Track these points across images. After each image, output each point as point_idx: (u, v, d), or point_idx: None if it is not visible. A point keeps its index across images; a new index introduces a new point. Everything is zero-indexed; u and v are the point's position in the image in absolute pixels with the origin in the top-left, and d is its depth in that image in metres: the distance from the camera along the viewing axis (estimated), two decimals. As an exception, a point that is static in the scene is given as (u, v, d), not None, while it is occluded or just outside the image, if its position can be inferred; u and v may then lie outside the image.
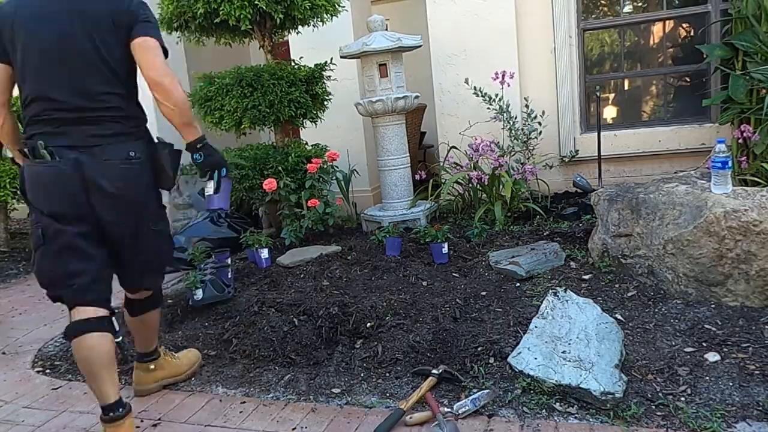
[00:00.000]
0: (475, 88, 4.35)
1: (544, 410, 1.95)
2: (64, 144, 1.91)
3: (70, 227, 1.92)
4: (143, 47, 1.95)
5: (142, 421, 2.21)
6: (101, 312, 1.97)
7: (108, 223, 1.98)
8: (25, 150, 1.94)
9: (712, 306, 2.43)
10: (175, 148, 2.11)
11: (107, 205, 1.95)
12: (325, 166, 4.14)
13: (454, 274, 3.18)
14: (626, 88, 4.90)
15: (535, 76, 4.72)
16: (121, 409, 1.93)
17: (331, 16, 4.25)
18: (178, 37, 4.31)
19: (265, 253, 3.62)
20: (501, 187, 4.06)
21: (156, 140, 2.12)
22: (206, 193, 2.16)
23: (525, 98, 4.50)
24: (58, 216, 1.92)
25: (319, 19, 4.20)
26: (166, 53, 2.01)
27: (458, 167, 4.38)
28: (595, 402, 1.92)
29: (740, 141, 3.93)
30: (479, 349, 2.31)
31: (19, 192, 4.45)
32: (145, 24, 1.97)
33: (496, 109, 4.34)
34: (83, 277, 1.95)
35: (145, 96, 2.06)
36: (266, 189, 3.92)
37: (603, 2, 4.86)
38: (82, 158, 1.91)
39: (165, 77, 1.93)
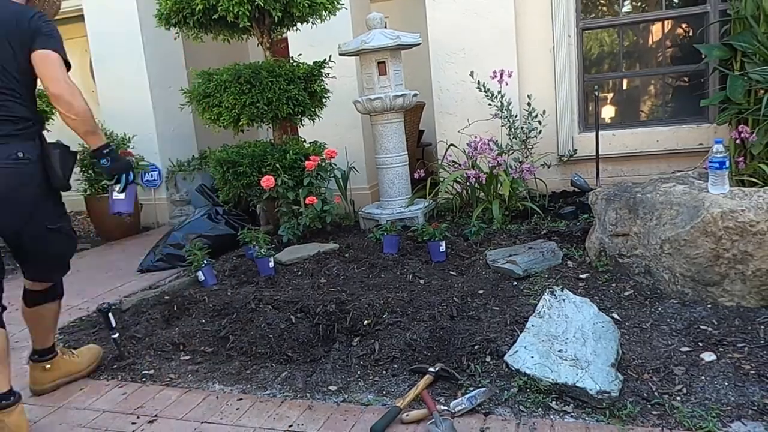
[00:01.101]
0: (479, 82, 4.35)
1: (540, 409, 1.95)
2: None
3: None
4: (44, 61, 2.05)
5: (138, 417, 2.21)
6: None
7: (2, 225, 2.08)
8: None
9: (709, 306, 2.43)
10: (70, 150, 2.22)
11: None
12: (323, 164, 4.14)
13: (451, 272, 3.18)
14: (625, 87, 4.90)
15: (534, 75, 4.72)
16: (12, 398, 2.08)
17: (330, 13, 4.24)
18: (177, 33, 4.30)
19: (271, 262, 3.43)
20: (499, 185, 4.06)
21: (53, 142, 2.21)
22: (113, 197, 2.33)
23: (528, 96, 4.51)
24: None
25: (317, 17, 4.19)
26: (68, 66, 2.10)
27: (456, 165, 4.38)
28: (591, 401, 1.93)
29: (738, 141, 3.94)
30: (476, 347, 2.31)
31: None
32: (46, 37, 2.07)
33: (497, 107, 4.34)
34: None
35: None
36: (264, 186, 3.92)
37: (602, 2, 4.86)
38: None
39: (65, 90, 2.03)
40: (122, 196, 2.31)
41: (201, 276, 3.31)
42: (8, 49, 2.06)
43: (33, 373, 2.46)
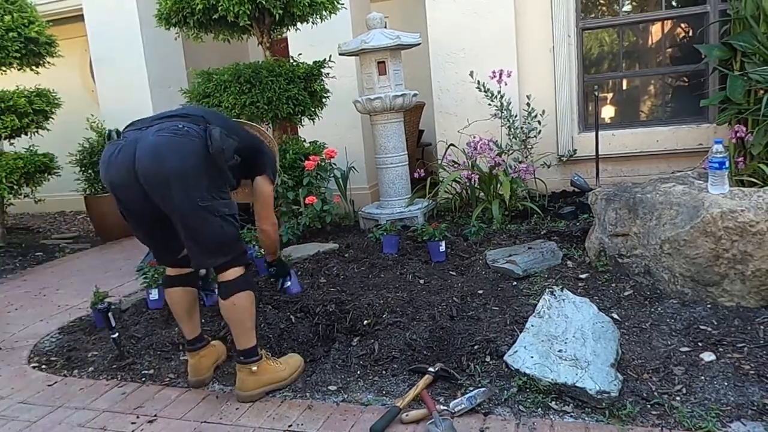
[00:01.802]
0: (478, 82, 4.35)
1: (540, 409, 1.95)
2: None
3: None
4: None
5: (138, 417, 2.21)
6: (178, 271, 2.33)
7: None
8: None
9: (708, 306, 2.43)
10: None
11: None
12: (323, 164, 4.14)
13: (451, 272, 3.18)
14: (624, 87, 4.90)
15: (534, 75, 4.72)
16: (199, 343, 2.35)
17: (330, 13, 4.24)
18: (177, 33, 4.30)
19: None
20: (499, 185, 4.06)
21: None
22: (287, 286, 2.88)
23: (528, 96, 4.51)
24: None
25: (318, 16, 4.19)
26: None
27: (456, 165, 4.38)
28: (590, 401, 1.93)
29: (735, 141, 3.94)
30: (476, 347, 2.31)
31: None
32: None
33: (497, 107, 4.34)
34: (155, 248, 2.38)
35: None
36: (264, 186, 3.91)
37: (602, 2, 4.86)
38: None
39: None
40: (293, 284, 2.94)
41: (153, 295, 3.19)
42: None
43: (240, 375, 2.24)
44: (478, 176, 3.97)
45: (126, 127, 2.17)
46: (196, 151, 2.02)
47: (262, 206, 2.49)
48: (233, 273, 2.17)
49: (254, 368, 2.22)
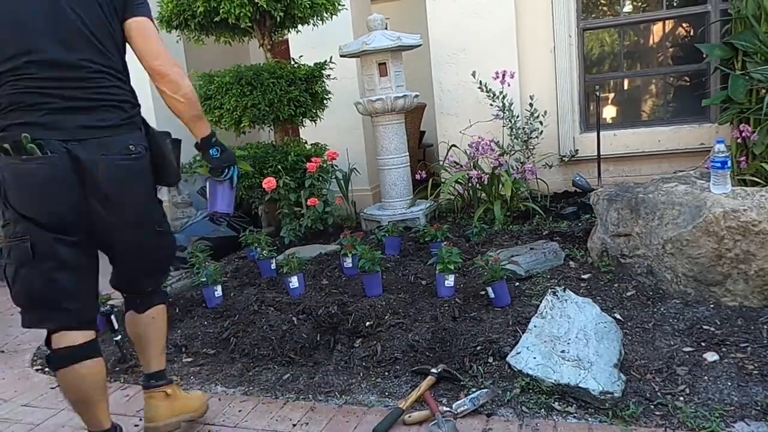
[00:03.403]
0: (480, 82, 4.35)
1: (542, 409, 1.95)
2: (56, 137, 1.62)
3: (67, 237, 1.65)
4: (141, 30, 1.73)
5: (140, 419, 2.21)
6: (90, 335, 1.73)
7: (108, 228, 1.73)
8: (5, 145, 1.59)
9: (711, 306, 2.43)
10: (174, 138, 1.90)
11: (107, 208, 1.70)
12: (324, 165, 4.14)
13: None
14: (626, 87, 4.90)
15: (535, 76, 4.72)
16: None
17: (331, 14, 4.25)
18: (178, 35, 4.31)
19: (272, 263, 3.43)
20: (500, 186, 4.06)
21: (162, 131, 1.89)
22: (216, 193, 1.98)
23: (530, 96, 4.50)
24: (50, 224, 1.63)
25: (318, 18, 4.20)
26: None
27: (458, 166, 4.38)
28: (593, 401, 1.92)
29: (739, 141, 3.93)
30: (478, 348, 2.31)
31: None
32: (140, 1, 1.76)
33: (498, 107, 4.34)
34: (78, 298, 1.69)
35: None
36: (265, 188, 3.92)
37: (603, 2, 4.86)
38: (77, 151, 1.62)
39: (172, 67, 1.74)
40: (230, 192, 1.98)
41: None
42: (99, 15, 1.67)
43: (151, 402, 1.96)
44: (486, 176, 3.97)
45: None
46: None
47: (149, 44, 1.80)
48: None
49: (169, 391, 1.98)
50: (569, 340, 2.14)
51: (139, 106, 1.83)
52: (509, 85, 4.26)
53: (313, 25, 4.27)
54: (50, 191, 1.61)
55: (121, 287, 1.96)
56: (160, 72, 1.72)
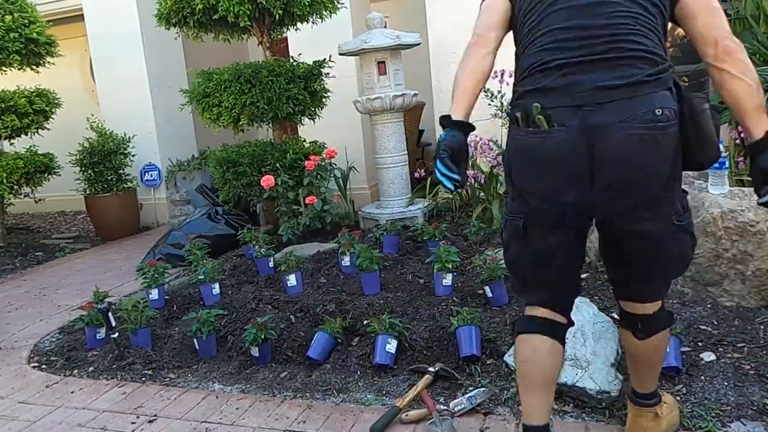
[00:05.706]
0: (479, 82, 4.35)
1: (539, 408, 1.95)
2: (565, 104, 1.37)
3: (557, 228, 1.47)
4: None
5: (138, 417, 2.21)
6: (558, 318, 1.59)
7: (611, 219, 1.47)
8: (517, 114, 1.46)
9: (708, 306, 2.43)
10: (714, 104, 1.54)
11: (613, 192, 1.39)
12: (323, 164, 4.14)
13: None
14: (625, 87, 4.90)
15: (534, 75, 4.72)
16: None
17: (330, 13, 4.24)
18: (177, 33, 4.30)
19: (270, 261, 3.44)
20: (499, 185, 4.06)
21: (696, 93, 1.51)
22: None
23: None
24: (540, 210, 1.46)
25: (318, 16, 4.19)
26: None
27: (456, 165, 4.37)
28: (590, 401, 1.93)
29: (737, 141, 3.94)
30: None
31: None
32: None
33: (497, 106, 4.34)
34: (554, 288, 1.57)
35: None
36: (264, 186, 3.92)
37: (602, 1, 4.85)
38: (589, 119, 1.35)
39: (738, 45, 1.43)
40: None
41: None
42: None
43: (639, 421, 1.73)
44: (485, 175, 3.96)
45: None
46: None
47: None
48: (657, 305, 1.61)
49: (659, 412, 1.73)
50: (566, 339, 2.14)
51: (670, 61, 1.47)
52: (507, 84, 4.26)
53: (313, 23, 4.27)
54: (553, 172, 1.40)
55: (623, 294, 1.64)
56: (727, 48, 1.43)
